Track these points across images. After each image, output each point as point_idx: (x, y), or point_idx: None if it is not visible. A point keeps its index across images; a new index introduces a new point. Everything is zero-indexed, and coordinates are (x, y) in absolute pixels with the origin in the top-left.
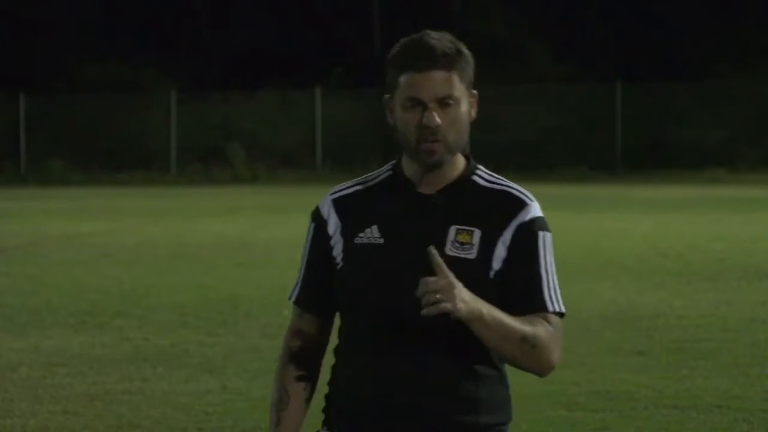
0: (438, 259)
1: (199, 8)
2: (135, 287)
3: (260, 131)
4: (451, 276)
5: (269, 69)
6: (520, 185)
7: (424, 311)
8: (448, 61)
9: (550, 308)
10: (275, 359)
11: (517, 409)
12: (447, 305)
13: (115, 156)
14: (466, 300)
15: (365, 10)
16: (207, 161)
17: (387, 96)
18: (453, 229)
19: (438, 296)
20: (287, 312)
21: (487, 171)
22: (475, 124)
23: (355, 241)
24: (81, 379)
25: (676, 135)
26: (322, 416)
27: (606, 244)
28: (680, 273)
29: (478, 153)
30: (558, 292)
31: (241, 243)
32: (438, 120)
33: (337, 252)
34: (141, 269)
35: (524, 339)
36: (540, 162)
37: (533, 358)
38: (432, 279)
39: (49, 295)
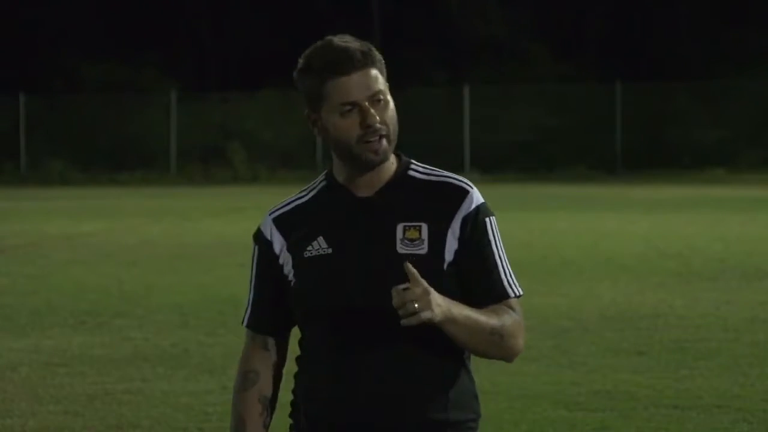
0: (412, 270)
1: (199, 8)
2: (135, 287)
3: (260, 131)
4: (424, 283)
5: (269, 69)
6: (457, 174)
7: (404, 321)
8: (368, 59)
9: (511, 294)
10: None
11: (518, 409)
12: (426, 314)
13: (115, 156)
14: (440, 304)
15: (365, 10)
16: (207, 161)
17: (308, 110)
18: (400, 227)
19: (416, 305)
20: None
21: (420, 164)
22: (475, 124)
23: (305, 255)
24: (81, 379)
25: (676, 135)
26: (290, 421)
27: (606, 244)
28: (680, 273)
29: (478, 153)
30: (513, 275)
31: (241, 243)
32: (378, 117)
33: (288, 269)
34: (141, 269)
35: (493, 332)
36: (540, 162)
37: (501, 348)
38: (406, 288)
39: (49, 295)
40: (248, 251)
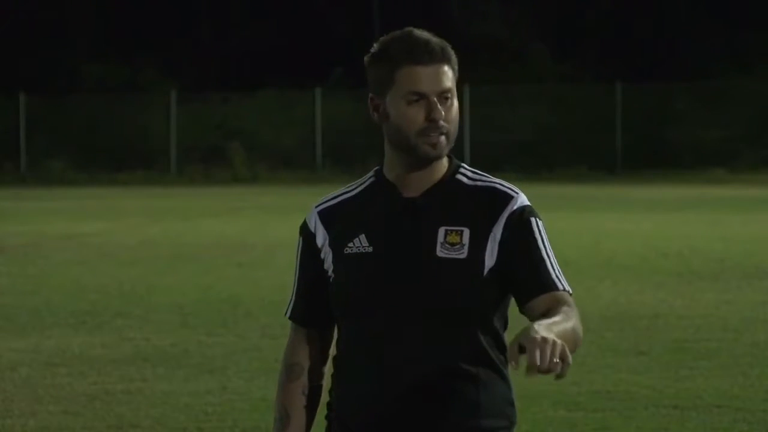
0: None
1: (199, 8)
2: (135, 287)
3: (260, 131)
4: (552, 336)
5: (269, 69)
6: (505, 180)
7: (558, 379)
8: (445, 55)
9: (560, 287)
10: (275, 359)
11: (518, 409)
12: (568, 364)
13: (115, 156)
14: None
15: (365, 10)
16: (207, 161)
17: (373, 94)
18: (442, 231)
19: (555, 360)
20: None
21: (470, 169)
22: (475, 124)
23: (345, 252)
24: (81, 379)
25: (676, 135)
26: (325, 423)
27: (606, 244)
28: (680, 273)
29: (478, 153)
30: (561, 272)
31: (241, 243)
32: (443, 113)
33: (328, 264)
34: (141, 269)
35: (574, 332)
36: (540, 162)
37: (576, 346)
38: (540, 341)
39: (49, 295)
40: (248, 251)
